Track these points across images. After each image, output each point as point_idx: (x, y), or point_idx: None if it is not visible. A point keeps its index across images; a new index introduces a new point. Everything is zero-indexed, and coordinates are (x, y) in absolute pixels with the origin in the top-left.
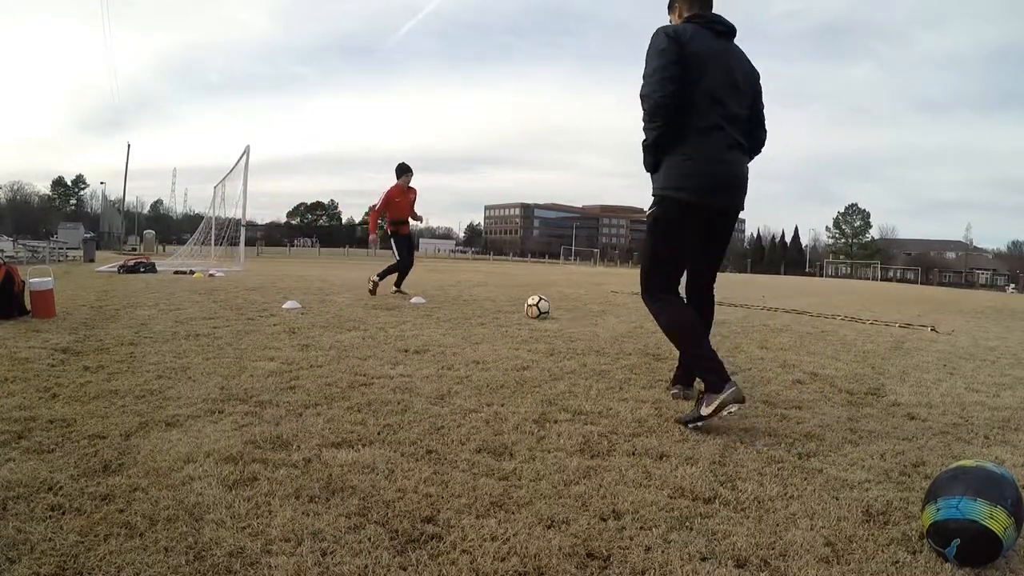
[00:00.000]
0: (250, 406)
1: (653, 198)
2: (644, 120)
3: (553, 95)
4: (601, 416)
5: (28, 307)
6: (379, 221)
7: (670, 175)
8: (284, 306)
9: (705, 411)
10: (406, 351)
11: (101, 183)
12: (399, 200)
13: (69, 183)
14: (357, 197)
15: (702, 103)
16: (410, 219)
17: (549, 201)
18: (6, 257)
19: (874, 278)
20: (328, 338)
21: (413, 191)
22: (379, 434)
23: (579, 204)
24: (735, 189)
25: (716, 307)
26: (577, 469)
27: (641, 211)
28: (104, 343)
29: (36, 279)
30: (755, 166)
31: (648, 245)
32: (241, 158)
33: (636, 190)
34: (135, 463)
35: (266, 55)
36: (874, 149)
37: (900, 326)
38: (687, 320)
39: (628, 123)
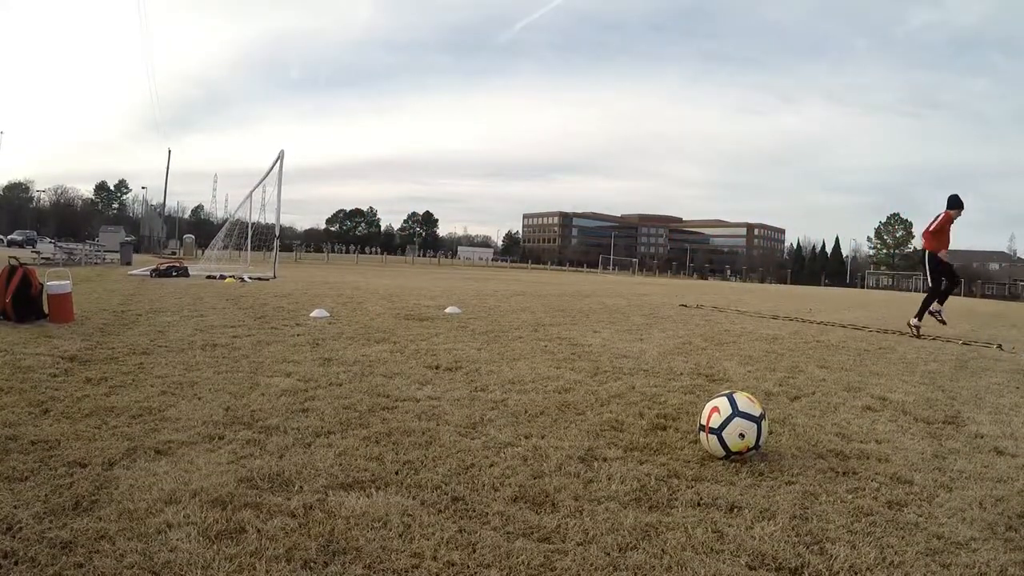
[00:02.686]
0: (254, 432)
1: None
2: None
3: (653, 101)
4: (656, 452)
5: (46, 310)
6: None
7: None
8: (312, 315)
9: None
10: (437, 368)
11: (143, 187)
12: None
13: (112, 187)
14: (408, 204)
15: None
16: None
17: (588, 210)
18: (43, 259)
19: (916, 290)
20: (353, 351)
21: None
22: (397, 473)
23: (618, 213)
24: None
25: (765, 320)
26: (634, 527)
27: (679, 220)
28: (115, 352)
29: (53, 282)
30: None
31: None
32: (275, 164)
33: (719, 201)
34: (110, 500)
35: (359, 47)
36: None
37: (963, 343)
38: None
39: (728, 131)
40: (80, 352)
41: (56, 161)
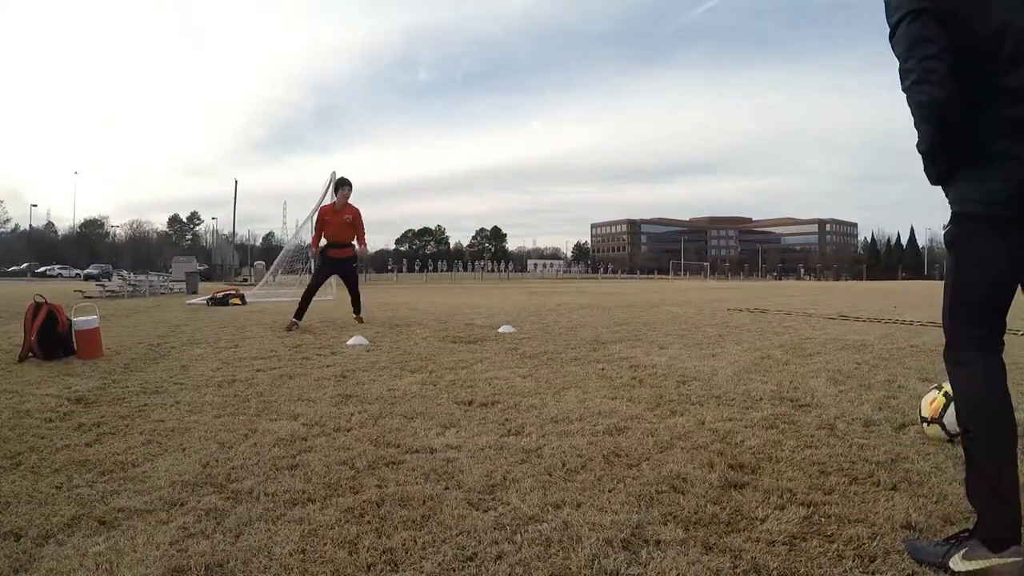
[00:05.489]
0: (222, 498)
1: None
2: None
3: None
4: (729, 529)
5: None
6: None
7: None
8: (348, 343)
9: (959, 566)
10: (469, 404)
11: (213, 218)
12: (329, 219)
13: (184, 219)
14: (483, 220)
15: None
16: (356, 244)
17: (655, 216)
18: (108, 292)
19: None
20: (380, 385)
21: (350, 210)
22: (370, 569)
23: (686, 217)
24: None
25: (849, 324)
26: None
27: (748, 220)
28: (127, 391)
29: (80, 318)
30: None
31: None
32: (328, 186)
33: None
34: None
35: (499, 43)
36: None
37: None
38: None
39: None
40: (90, 392)
41: (136, 195)
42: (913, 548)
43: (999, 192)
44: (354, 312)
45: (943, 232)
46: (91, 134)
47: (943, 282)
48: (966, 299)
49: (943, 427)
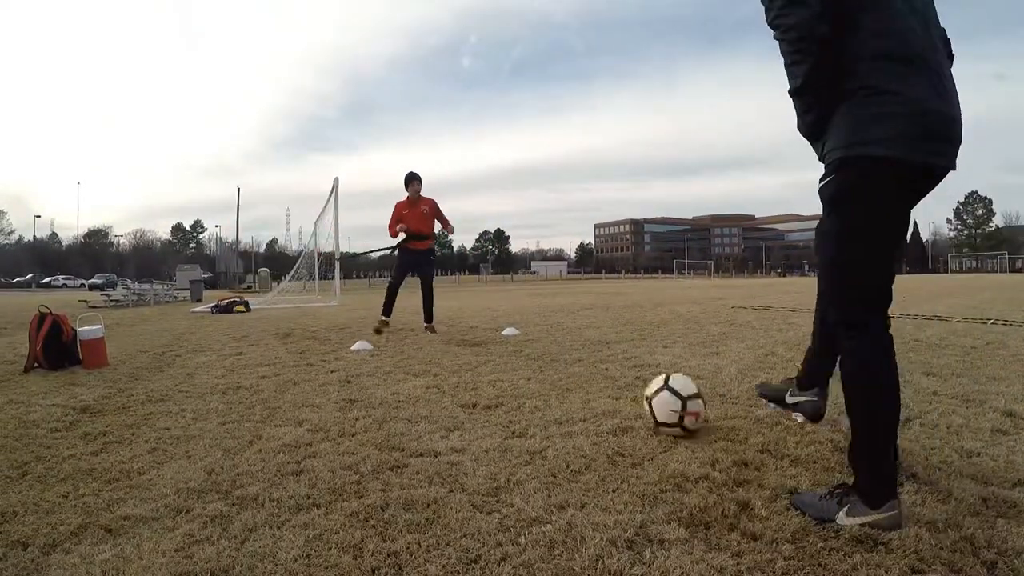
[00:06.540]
0: (227, 504)
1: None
2: None
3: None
4: (733, 526)
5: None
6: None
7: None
8: (353, 348)
9: (844, 521)
10: (473, 407)
11: (216, 226)
12: (407, 213)
13: (188, 227)
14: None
15: None
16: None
17: (658, 215)
18: (112, 302)
19: (1002, 270)
20: (384, 390)
21: (426, 202)
22: (374, 573)
23: (689, 216)
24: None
25: None
26: None
27: (752, 217)
28: (132, 399)
29: (85, 328)
30: None
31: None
32: (332, 192)
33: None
34: None
35: (501, 43)
36: None
37: None
38: (892, 380)
39: None
40: (95, 402)
41: (140, 203)
42: (801, 503)
43: (904, 131)
44: (425, 320)
45: (821, 186)
46: (94, 143)
47: (828, 246)
48: (870, 265)
49: (651, 408)
